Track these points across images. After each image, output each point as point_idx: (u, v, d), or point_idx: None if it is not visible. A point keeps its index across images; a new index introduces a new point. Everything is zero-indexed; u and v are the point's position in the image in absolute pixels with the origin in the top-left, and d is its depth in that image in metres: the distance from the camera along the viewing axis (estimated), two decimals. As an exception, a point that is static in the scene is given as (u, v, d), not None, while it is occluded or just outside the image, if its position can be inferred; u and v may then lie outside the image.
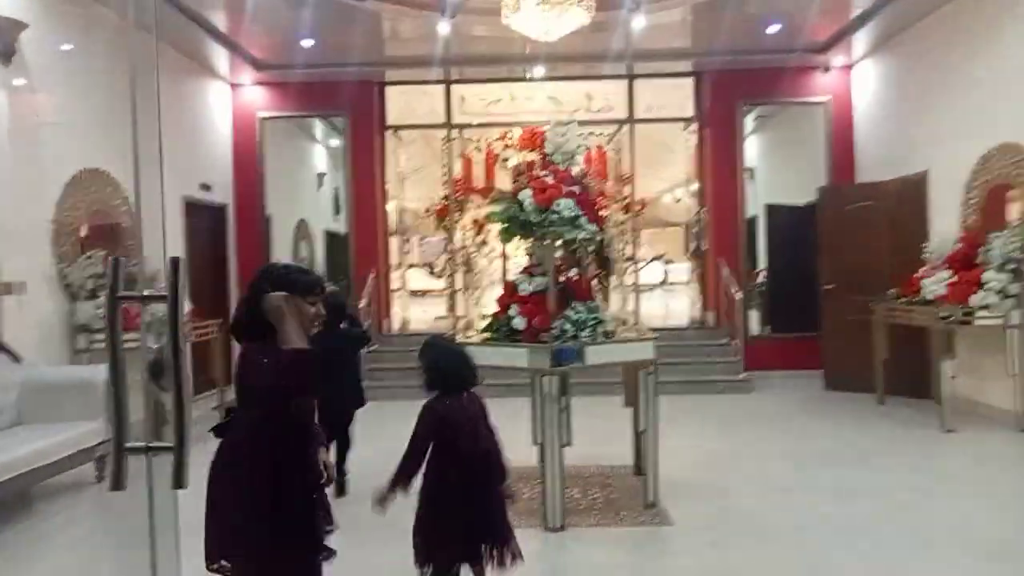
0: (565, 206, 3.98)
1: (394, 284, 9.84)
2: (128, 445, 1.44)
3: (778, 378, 8.27)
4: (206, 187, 8.06)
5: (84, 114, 5.93)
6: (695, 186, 9.36)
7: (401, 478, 2.62)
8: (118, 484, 1.43)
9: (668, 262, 20.93)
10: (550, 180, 4.08)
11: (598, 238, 4.29)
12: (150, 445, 1.47)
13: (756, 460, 5.23)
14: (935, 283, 6.19)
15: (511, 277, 4.33)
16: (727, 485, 4.58)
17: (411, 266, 20.88)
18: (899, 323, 6.62)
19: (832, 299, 7.70)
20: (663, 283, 19.76)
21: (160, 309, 5.23)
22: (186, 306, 6.06)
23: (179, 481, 1.42)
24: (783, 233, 9.36)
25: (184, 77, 7.78)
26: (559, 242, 4.17)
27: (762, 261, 9.17)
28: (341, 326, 4.59)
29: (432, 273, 19.48)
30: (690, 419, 6.38)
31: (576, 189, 4.12)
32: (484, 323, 4.31)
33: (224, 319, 8.45)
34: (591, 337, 4.01)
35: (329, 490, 2.50)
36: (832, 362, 7.73)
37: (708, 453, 5.39)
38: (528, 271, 4.26)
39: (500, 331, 4.09)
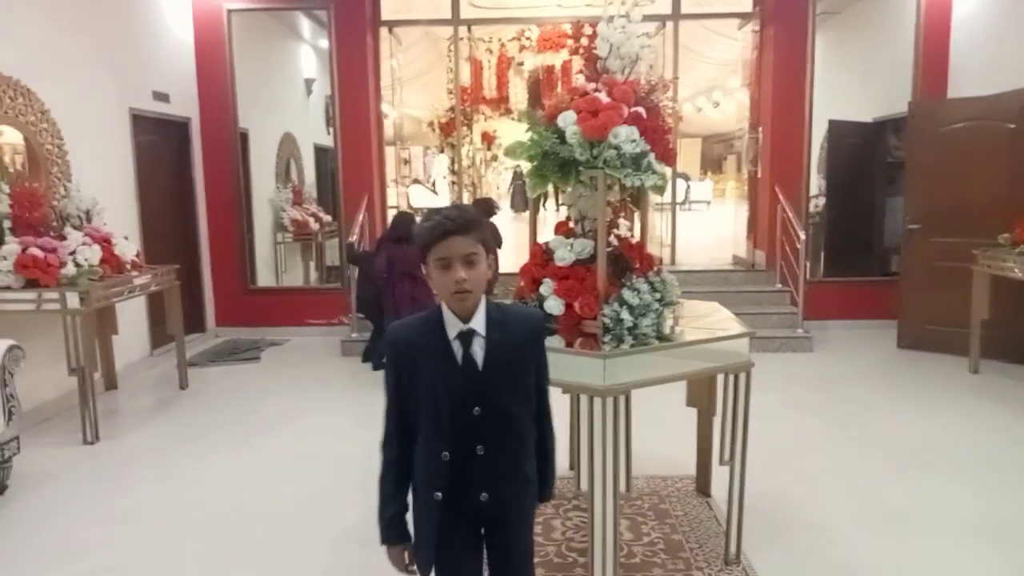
0: (627, 137, 2.67)
1: (392, 202, 8.59)
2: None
3: (838, 330, 7.10)
4: (162, 96, 6.66)
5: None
6: (716, 94, 7.88)
7: None
8: None
9: (687, 179, 19.52)
10: (604, 98, 2.75)
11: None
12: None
13: (851, 466, 4.06)
14: (1070, 230, 4.89)
15: (543, 239, 3.04)
16: (824, 513, 3.45)
17: (415, 181, 19.53)
18: (1011, 277, 5.33)
19: (918, 241, 6.37)
20: (684, 203, 18.41)
21: (89, 254, 3.65)
22: (131, 249, 4.69)
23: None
24: (845, 155, 7.95)
25: (126, -44, 6.25)
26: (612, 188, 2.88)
27: (814, 187, 7.79)
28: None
29: (435, 191, 18.15)
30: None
31: (641, 111, 2.79)
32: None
33: (191, 258, 7.26)
34: (655, 328, 2.78)
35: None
36: (911, 316, 6.48)
37: (783, 450, 4.23)
38: (567, 230, 2.99)
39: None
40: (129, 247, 5.27)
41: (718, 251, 8.93)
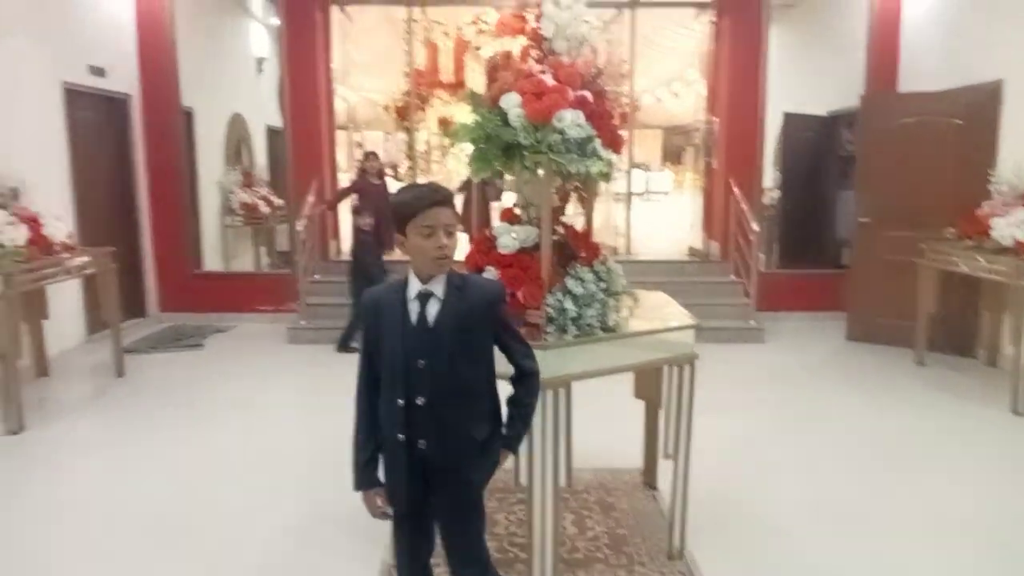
0: (572, 121, 2.57)
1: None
2: None
3: (789, 321, 7.14)
4: (98, 71, 6.36)
5: None
6: (676, 85, 7.92)
7: None
8: None
9: (647, 169, 19.60)
10: (549, 80, 2.65)
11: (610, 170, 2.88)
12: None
13: (799, 459, 4.05)
14: (1013, 225, 4.96)
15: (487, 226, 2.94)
16: (771, 508, 3.42)
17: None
18: (956, 271, 5.40)
19: (868, 234, 6.43)
20: (643, 194, 18.47)
21: (14, 234, 3.37)
22: (62, 230, 4.48)
23: None
24: (800, 148, 8.03)
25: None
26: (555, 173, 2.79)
27: (768, 179, 7.85)
28: None
29: (394, 176, 17.90)
30: (697, 381, 5.19)
31: (587, 95, 2.70)
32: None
33: (131, 241, 6.98)
34: (599, 319, 2.70)
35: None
36: (860, 309, 6.54)
37: (732, 445, 4.18)
38: (511, 218, 2.90)
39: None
40: (60, 228, 5.02)
41: (675, 242, 8.94)
